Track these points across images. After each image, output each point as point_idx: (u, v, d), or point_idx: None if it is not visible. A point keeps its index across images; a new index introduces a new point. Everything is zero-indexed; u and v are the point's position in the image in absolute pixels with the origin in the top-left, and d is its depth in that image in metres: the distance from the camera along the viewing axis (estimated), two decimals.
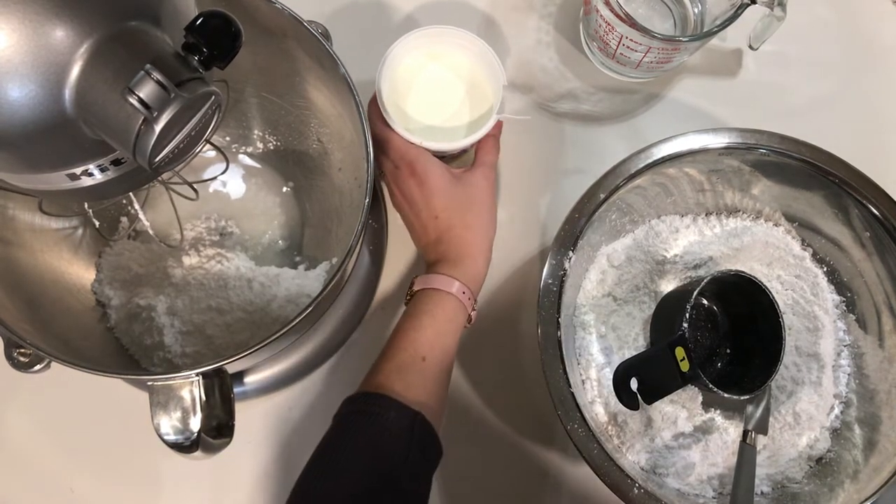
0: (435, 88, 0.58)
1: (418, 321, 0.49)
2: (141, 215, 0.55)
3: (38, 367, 0.46)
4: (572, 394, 0.50)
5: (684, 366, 0.50)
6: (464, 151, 0.60)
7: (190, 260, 0.59)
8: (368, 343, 0.61)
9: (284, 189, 0.64)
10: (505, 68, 0.70)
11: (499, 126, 0.57)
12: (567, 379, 0.50)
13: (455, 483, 0.59)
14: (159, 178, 0.52)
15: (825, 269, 0.60)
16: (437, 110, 0.58)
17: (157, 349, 0.56)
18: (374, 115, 0.54)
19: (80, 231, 0.59)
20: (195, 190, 0.57)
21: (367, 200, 0.49)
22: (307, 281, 0.59)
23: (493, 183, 0.56)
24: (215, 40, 0.33)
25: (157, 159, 0.33)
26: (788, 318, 0.58)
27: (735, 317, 0.58)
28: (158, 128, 0.31)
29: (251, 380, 0.60)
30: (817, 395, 0.56)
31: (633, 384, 0.50)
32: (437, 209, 0.53)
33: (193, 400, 0.45)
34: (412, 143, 0.54)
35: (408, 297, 0.52)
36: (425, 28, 0.57)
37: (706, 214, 0.61)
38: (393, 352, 0.48)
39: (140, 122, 0.31)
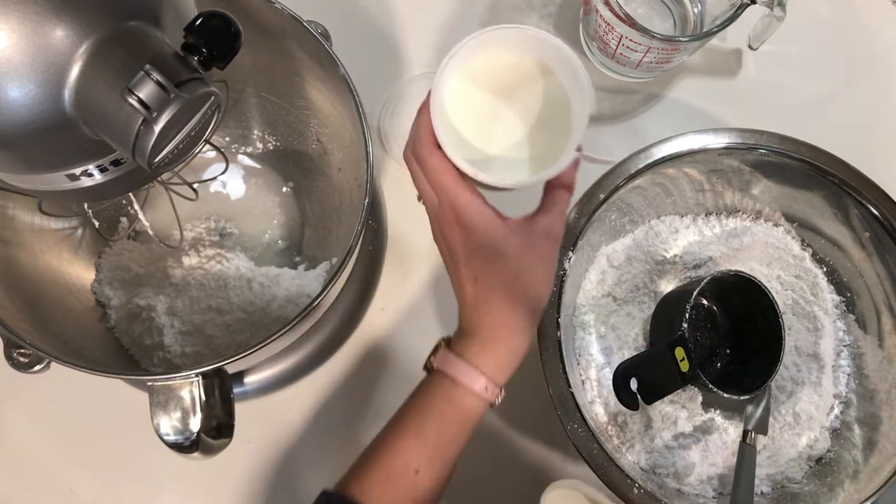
0: (500, 106, 0.45)
1: (423, 422, 0.43)
2: (141, 215, 0.55)
3: (37, 367, 0.46)
4: (572, 394, 0.50)
5: (684, 366, 0.50)
6: None
7: (190, 260, 0.59)
8: (368, 343, 0.61)
9: (284, 189, 0.64)
10: None
11: (576, 163, 0.45)
12: (567, 379, 0.50)
13: (455, 483, 0.59)
14: (159, 179, 0.52)
15: (825, 269, 0.60)
16: (500, 134, 0.45)
17: (157, 349, 0.56)
18: (423, 126, 0.42)
19: (79, 231, 0.59)
20: (195, 190, 0.57)
21: (367, 200, 0.49)
22: (307, 281, 0.59)
23: (559, 239, 0.45)
24: (215, 40, 0.33)
25: (157, 160, 0.33)
26: (788, 319, 0.58)
27: (735, 317, 0.58)
28: (158, 128, 0.31)
29: (251, 380, 0.60)
30: (817, 395, 0.56)
31: (633, 384, 0.50)
32: (478, 270, 0.43)
33: (193, 400, 0.45)
34: (463, 177, 0.42)
35: (426, 366, 0.45)
36: (499, 28, 0.43)
37: (706, 214, 0.61)
38: (386, 454, 0.43)
39: (139, 122, 0.31)
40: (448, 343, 0.44)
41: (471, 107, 0.45)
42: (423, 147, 0.42)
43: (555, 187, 0.45)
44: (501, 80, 0.45)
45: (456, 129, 0.44)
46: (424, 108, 0.42)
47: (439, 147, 0.41)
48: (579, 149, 0.43)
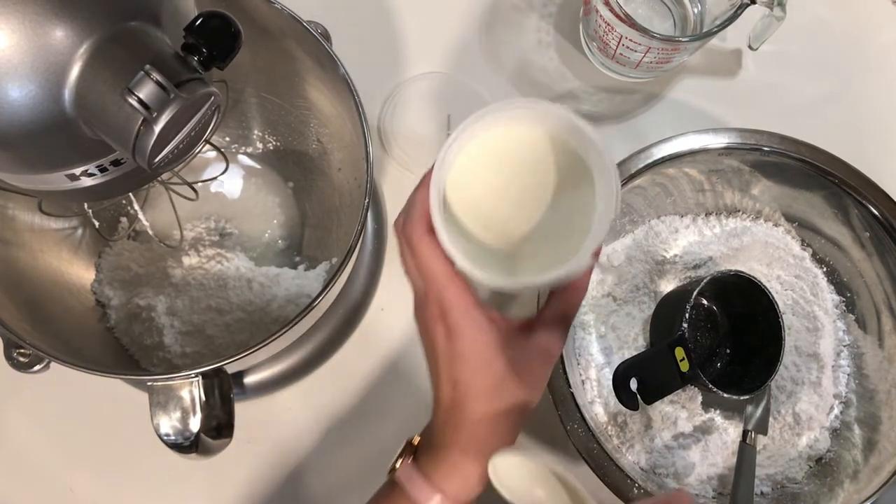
0: (509, 191, 0.39)
1: None
2: (141, 215, 0.55)
3: (37, 367, 0.46)
4: (572, 394, 0.50)
5: (684, 366, 0.50)
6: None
7: (190, 260, 0.59)
8: (368, 343, 0.61)
9: (284, 189, 0.64)
10: (505, 69, 0.70)
11: (596, 253, 0.37)
12: (567, 379, 0.50)
13: None
14: (159, 179, 0.52)
15: (825, 269, 0.60)
16: (507, 223, 0.39)
17: (156, 349, 0.56)
18: (419, 203, 0.38)
19: (79, 231, 0.59)
20: (195, 190, 0.57)
21: (367, 200, 0.49)
22: (307, 281, 0.59)
23: (556, 359, 0.40)
24: (215, 41, 0.33)
25: (157, 160, 0.33)
26: (788, 318, 0.58)
27: (735, 317, 0.58)
28: (158, 128, 0.31)
29: (251, 380, 0.60)
30: (817, 395, 0.56)
31: (633, 384, 0.50)
32: (459, 377, 0.38)
33: (193, 400, 0.45)
34: (455, 273, 0.37)
35: (391, 469, 0.41)
36: (521, 102, 0.37)
37: (706, 214, 0.61)
38: None
39: (139, 122, 0.31)
40: (415, 451, 0.41)
41: (475, 190, 0.39)
42: (414, 228, 0.38)
43: (563, 293, 0.40)
44: (514, 161, 0.39)
45: (456, 214, 0.38)
46: (424, 183, 0.38)
47: (433, 230, 0.37)
48: (598, 251, 0.36)
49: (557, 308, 0.40)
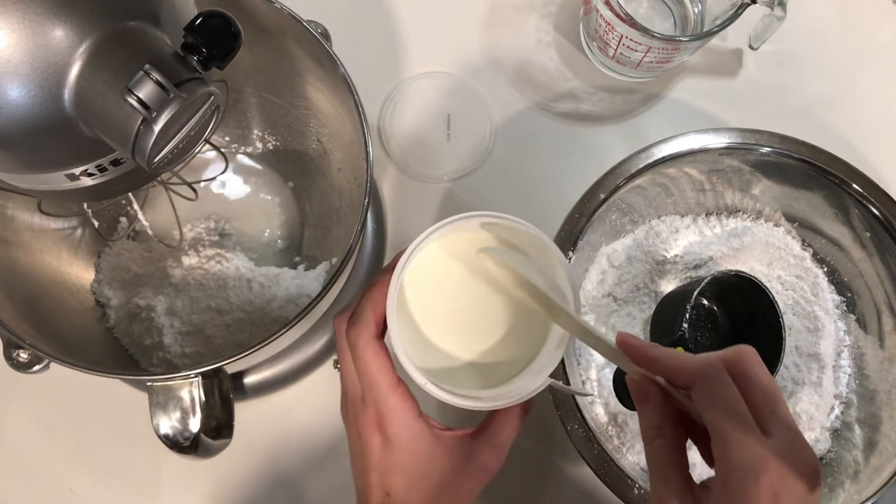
0: (469, 302, 0.38)
1: None
2: (140, 215, 0.55)
3: (37, 367, 0.46)
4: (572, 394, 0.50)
5: None
6: None
7: (189, 260, 0.59)
8: None
9: (284, 189, 0.64)
10: (505, 69, 0.70)
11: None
12: (567, 379, 0.50)
13: None
14: (159, 179, 0.52)
15: (825, 269, 0.59)
16: (464, 335, 0.38)
17: (156, 349, 0.56)
18: (371, 307, 0.37)
19: (79, 231, 0.59)
20: (194, 190, 0.57)
21: (367, 200, 0.49)
22: (307, 281, 0.59)
23: (496, 471, 0.39)
24: (215, 40, 0.33)
25: (156, 159, 0.33)
26: (788, 319, 0.58)
27: (735, 317, 0.58)
28: (157, 128, 0.31)
29: (251, 380, 0.60)
30: (817, 395, 0.56)
31: None
32: (392, 486, 0.37)
33: (193, 400, 0.45)
34: (399, 382, 0.37)
35: None
36: (487, 214, 0.36)
37: (706, 214, 0.61)
38: None
39: (139, 122, 0.31)
40: None
41: (437, 295, 0.38)
42: (361, 331, 0.37)
43: (509, 412, 0.39)
44: (476, 270, 0.38)
45: (410, 319, 0.38)
46: (378, 286, 0.37)
47: (379, 336, 0.36)
48: (556, 373, 0.36)
49: (502, 428, 0.39)
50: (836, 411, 0.57)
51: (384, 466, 0.37)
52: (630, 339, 0.36)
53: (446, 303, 0.38)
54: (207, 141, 0.38)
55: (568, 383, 0.50)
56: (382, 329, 0.37)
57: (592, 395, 0.38)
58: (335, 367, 0.40)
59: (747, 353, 0.35)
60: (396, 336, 0.35)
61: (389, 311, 0.35)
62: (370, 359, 0.37)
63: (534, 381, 0.36)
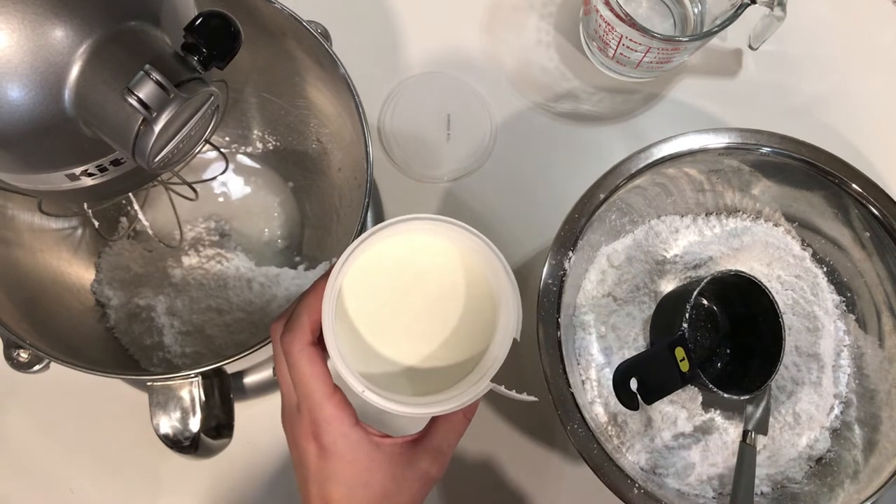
0: (410, 305, 0.38)
1: None
2: (140, 215, 0.55)
3: (37, 367, 0.46)
4: (572, 394, 0.50)
5: (684, 366, 0.50)
6: None
7: (189, 260, 0.59)
8: None
9: (284, 189, 0.64)
10: (505, 69, 0.70)
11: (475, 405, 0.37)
12: (567, 379, 0.50)
13: (454, 483, 0.59)
14: (159, 179, 0.52)
15: (825, 269, 0.59)
16: (399, 339, 0.37)
17: (156, 349, 0.56)
18: (307, 312, 0.36)
19: (79, 231, 0.59)
20: (195, 190, 0.57)
21: (367, 200, 0.49)
22: (307, 281, 0.59)
23: (438, 479, 0.38)
24: (215, 40, 0.33)
25: (157, 160, 0.33)
26: (788, 318, 0.58)
27: (735, 317, 0.58)
28: (157, 128, 0.31)
29: (251, 380, 0.60)
30: (817, 395, 0.56)
31: (633, 384, 0.50)
32: (331, 496, 0.36)
33: (193, 400, 0.45)
34: (334, 390, 0.36)
35: None
36: (422, 216, 0.36)
37: (706, 214, 0.61)
38: None
39: (139, 122, 0.31)
40: None
41: (376, 298, 0.37)
42: (295, 338, 0.36)
43: (450, 419, 0.38)
44: (415, 273, 0.38)
45: (348, 325, 0.37)
46: (314, 291, 0.36)
47: (315, 343, 0.36)
48: (498, 378, 0.36)
49: (444, 435, 0.38)
50: (836, 411, 0.57)
51: (323, 476, 0.36)
52: None
53: (387, 308, 0.37)
54: (207, 141, 0.38)
55: (568, 382, 0.50)
56: (319, 336, 0.36)
57: (536, 399, 0.37)
58: (273, 376, 0.39)
59: None
60: (331, 340, 0.34)
61: (325, 314, 0.34)
62: (304, 366, 0.36)
63: (475, 387, 0.35)
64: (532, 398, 0.38)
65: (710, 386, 0.51)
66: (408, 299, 0.38)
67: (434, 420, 0.38)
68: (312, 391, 0.36)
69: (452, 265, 0.38)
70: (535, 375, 0.50)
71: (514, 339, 0.36)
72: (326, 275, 0.36)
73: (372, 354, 0.37)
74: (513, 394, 0.36)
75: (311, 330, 0.36)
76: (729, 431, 0.56)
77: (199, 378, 0.46)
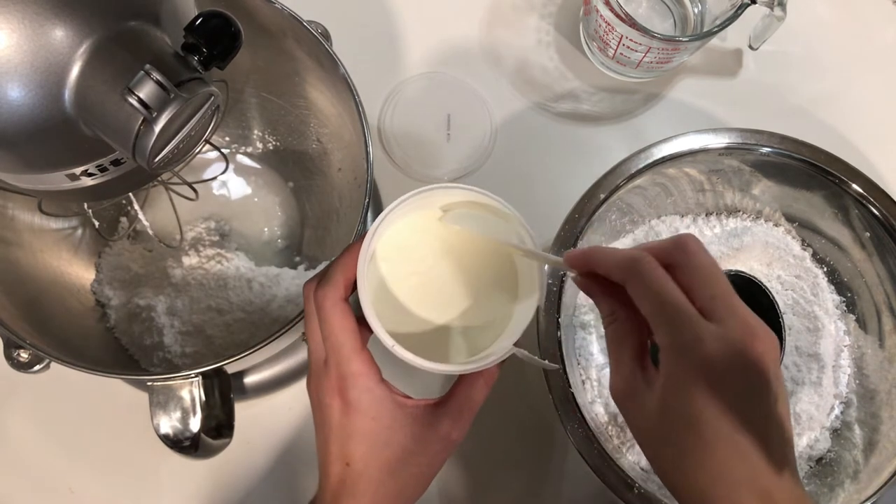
0: (441, 267, 0.39)
1: None
2: (141, 215, 0.55)
3: (37, 367, 0.46)
4: (572, 394, 0.50)
5: None
6: None
7: (190, 260, 0.59)
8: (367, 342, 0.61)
9: (284, 189, 0.64)
10: (505, 69, 0.70)
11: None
12: (567, 379, 0.50)
13: (454, 483, 0.59)
14: (159, 179, 0.52)
15: (825, 269, 0.59)
16: (434, 299, 0.39)
17: (156, 349, 0.56)
18: (341, 270, 0.37)
19: (79, 231, 0.59)
20: (195, 190, 0.57)
21: (367, 200, 0.49)
22: None
23: (459, 442, 0.38)
24: (215, 40, 0.33)
25: (157, 160, 0.33)
26: (788, 318, 0.58)
27: None
28: (158, 128, 0.31)
29: (251, 380, 0.60)
30: (817, 395, 0.56)
31: None
32: (353, 455, 0.36)
33: (193, 400, 0.45)
34: (363, 347, 0.37)
35: None
36: (458, 185, 0.38)
37: (706, 214, 0.61)
38: None
39: (139, 122, 0.31)
40: None
41: (407, 264, 0.39)
42: (328, 293, 0.36)
43: (473, 380, 0.38)
44: (448, 240, 0.39)
45: (384, 285, 0.38)
46: (350, 252, 0.37)
47: (346, 300, 0.36)
48: (520, 342, 0.37)
49: (467, 397, 0.38)
50: (836, 411, 0.57)
51: (345, 433, 0.36)
52: (572, 252, 0.36)
53: (417, 274, 0.39)
54: (208, 141, 0.38)
55: (568, 382, 0.50)
56: (351, 294, 0.37)
57: (559, 367, 0.39)
58: (302, 339, 0.40)
59: (683, 242, 0.34)
60: (365, 295, 0.35)
61: (360, 267, 0.35)
62: (336, 320, 0.36)
63: (499, 351, 0.36)
64: (554, 365, 0.41)
65: None
66: (437, 266, 0.39)
67: (455, 385, 0.38)
68: (342, 344, 0.36)
69: (482, 234, 0.39)
70: (535, 375, 0.51)
71: (538, 307, 0.37)
72: (361, 237, 0.36)
73: (400, 316, 0.38)
74: (535, 359, 0.37)
75: (345, 287, 0.36)
76: None
77: (199, 378, 0.46)
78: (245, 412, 0.58)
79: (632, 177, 0.54)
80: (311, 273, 0.59)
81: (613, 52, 0.63)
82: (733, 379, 0.31)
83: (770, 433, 0.32)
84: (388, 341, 0.35)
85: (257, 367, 0.60)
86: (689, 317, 0.32)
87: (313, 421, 0.39)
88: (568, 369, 0.50)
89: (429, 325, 0.39)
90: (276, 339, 0.46)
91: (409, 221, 0.39)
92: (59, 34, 0.31)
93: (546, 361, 0.38)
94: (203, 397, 0.46)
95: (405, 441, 0.36)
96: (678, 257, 0.34)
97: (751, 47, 0.67)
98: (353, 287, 0.36)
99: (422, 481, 0.38)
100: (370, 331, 0.36)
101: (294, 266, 0.61)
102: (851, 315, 0.59)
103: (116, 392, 0.59)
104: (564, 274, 0.52)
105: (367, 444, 0.36)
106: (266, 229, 0.63)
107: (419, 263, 0.39)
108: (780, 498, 0.31)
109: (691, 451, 0.32)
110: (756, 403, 0.32)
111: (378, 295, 0.38)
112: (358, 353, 0.36)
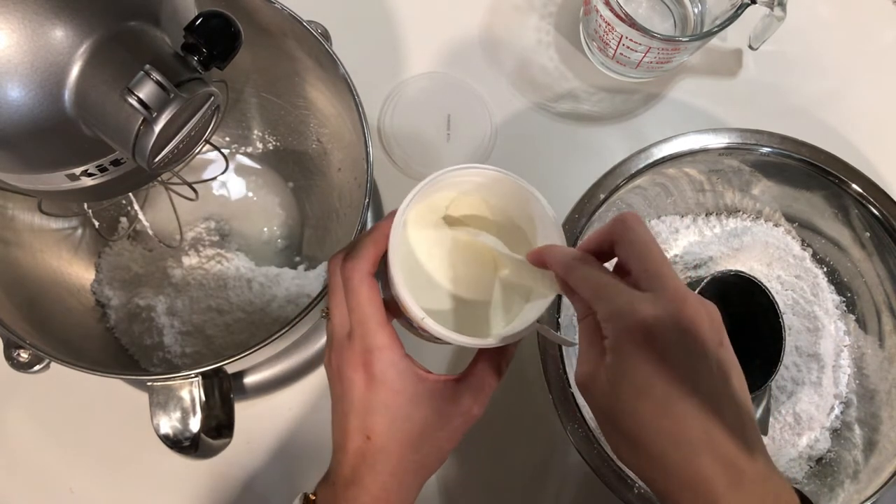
0: (468, 245, 0.40)
1: None
2: (141, 215, 0.55)
3: (37, 367, 0.46)
4: (572, 394, 0.50)
5: None
6: None
7: (190, 260, 0.59)
8: None
9: (284, 189, 0.64)
10: (505, 69, 0.70)
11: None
12: (567, 379, 0.50)
13: (454, 483, 0.59)
14: (159, 179, 0.52)
15: (825, 269, 0.59)
16: (462, 275, 0.40)
17: (156, 349, 0.56)
18: (371, 245, 0.37)
19: (79, 231, 0.59)
20: (195, 190, 0.57)
21: (367, 200, 0.49)
22: (307, 281, 0.59)
23: (478, 417, 0.39)
24: (215, 40, 0.33)
25: (157, 160, 0.33)
26: (788, 319, 0.58)
27: (735, 317, 0.58)
28: (158, 128, 0.31)
29: (251, 380, 0.60)
30: (817, 395, 0.56)
31: None
32: (374, 428, 0.36)
33: (193, 400, 0.45)
34: (388, 322, 0.37)
35: None
36: (492, 168, 0.38)
37: (706, 214, 0.61)
38: None
39: (139, 122, 0.31)
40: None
41: (434, 241, 0.40)
42: (356, 266, 0.36)
43: (493, 357, 0.39)
44: (478, 218, 0.40)
45: (412, 259, 0.38)
46: (380, 227, 0.37)
47: (373, 274, 0.37)
48: (542, 319, 0.38)
49: (487, 374, 0.39)
50: (836, 411, 0.57)
51: (367, 406, 0.36)
52: (531, 252, 0.37)
53: (445, 255, 0.40)
54: (207, 141, 0.38)
55: (568, 382, 0.50)
56: (378, 270, 0.37)
57: (575, 343, 0.41)
58: (322, 316, 0.40)
59: (622, 217, 0.35)
60: (397, 269, 0.36)
61: (392, 241, 0.36)
62: (364, 292, 0.36)
63: (520, 326, 0.37)
64: (573, 342, 0.41)
65: None
66: (462, 248, 0.40)
67: (475, 361, 0.39)
68: (369, 317, 0.36)
69: (510, 215, 0.40)
70: (535, 375, 0.51)
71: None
72: (391, 216, 0.37)
73: (427, 292, 0.39)
74: (556, 334, 0.39)
75: (373, 262, 0.37)
76: None
77: (199, 378, 0.46)
78: (245, 412, 0.58)
79: (632, 177, 0.54)
80: (311, 273, 0.59)
81: (613, 52, 0.63)
82: (672, 344, 0.32)
83: (721, 403, 0.32)
84: (419, 314, 0.35)
85: (257, 367, 0.60)
86: (621, 288, 0.33)
87: (331, 395, 0.38)
88: (568, 369, 0.50)
89: (456, 304, 0.39)
90: (276, 339, 0.46)
91: (439, 198, 0.40)
92: (59, 34, 0.31)
93: (567, 338, 0.40)
94: (203, 397, 0.46)
95: (427, 415, 0.37)
96: (618, 231, 0.35)
97: (751, 47, 0.67)
98: (380, 264, 0.37)
99: (440, 456, 0.38)
100: (392, 310, 0.37)
101: (294, 266, 0.61)
102: (851, 315, 0.59)
103: (116, 392, 0.59)
104: None
105: (389, 418, 0.36)
106: (266, 229, 0.63)
107: (448, 246, 0.40)
108: (752, 476, 0.31)
109: (646, 418, 0.32)
110: (699, 370, 0.33)
111: (406, 270, 0.38)
112: (384, 327, 0.36)
